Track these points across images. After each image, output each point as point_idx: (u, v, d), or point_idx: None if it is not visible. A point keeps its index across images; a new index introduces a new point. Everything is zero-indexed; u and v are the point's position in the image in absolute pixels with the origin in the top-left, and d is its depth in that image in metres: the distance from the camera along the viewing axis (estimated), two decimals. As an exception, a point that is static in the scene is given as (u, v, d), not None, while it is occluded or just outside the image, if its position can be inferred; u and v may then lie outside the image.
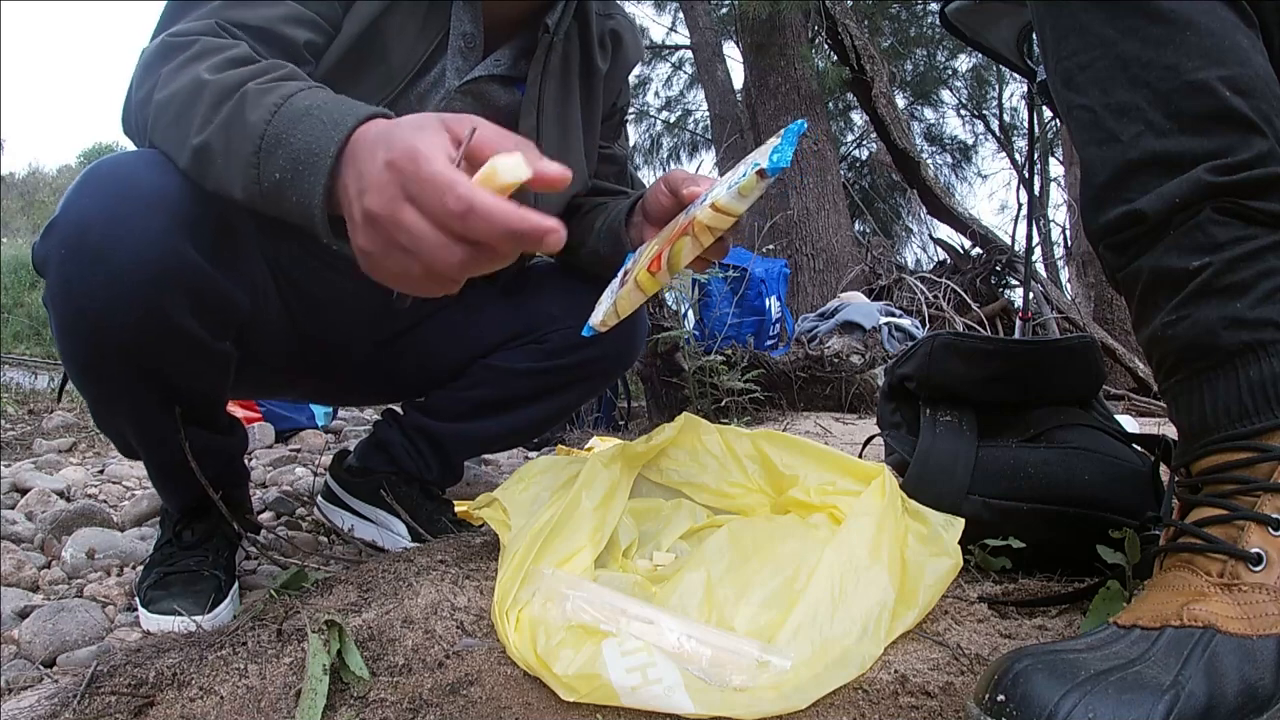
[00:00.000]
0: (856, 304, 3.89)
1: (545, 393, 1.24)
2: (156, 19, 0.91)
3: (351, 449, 1.33)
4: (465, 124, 0.62)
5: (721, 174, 0.87)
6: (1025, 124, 8.65)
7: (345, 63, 0.95)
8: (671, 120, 10.46)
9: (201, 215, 0.84)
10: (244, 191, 0.74)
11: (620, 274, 0.87)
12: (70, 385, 0.99)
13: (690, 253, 0.76)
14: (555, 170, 0.59)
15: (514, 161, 0.58)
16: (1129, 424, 1.23)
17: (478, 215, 0.55)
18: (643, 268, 0.78)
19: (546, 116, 1.08)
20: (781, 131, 0.74)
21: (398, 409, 1.31)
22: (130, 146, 0.92)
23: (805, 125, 0.77)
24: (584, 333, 0.85)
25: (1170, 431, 0.79)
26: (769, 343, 3.91)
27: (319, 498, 1.34)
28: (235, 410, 2.06)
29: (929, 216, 6.79)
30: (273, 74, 0.76)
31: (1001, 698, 0.53)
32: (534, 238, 0.56)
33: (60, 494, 1.73)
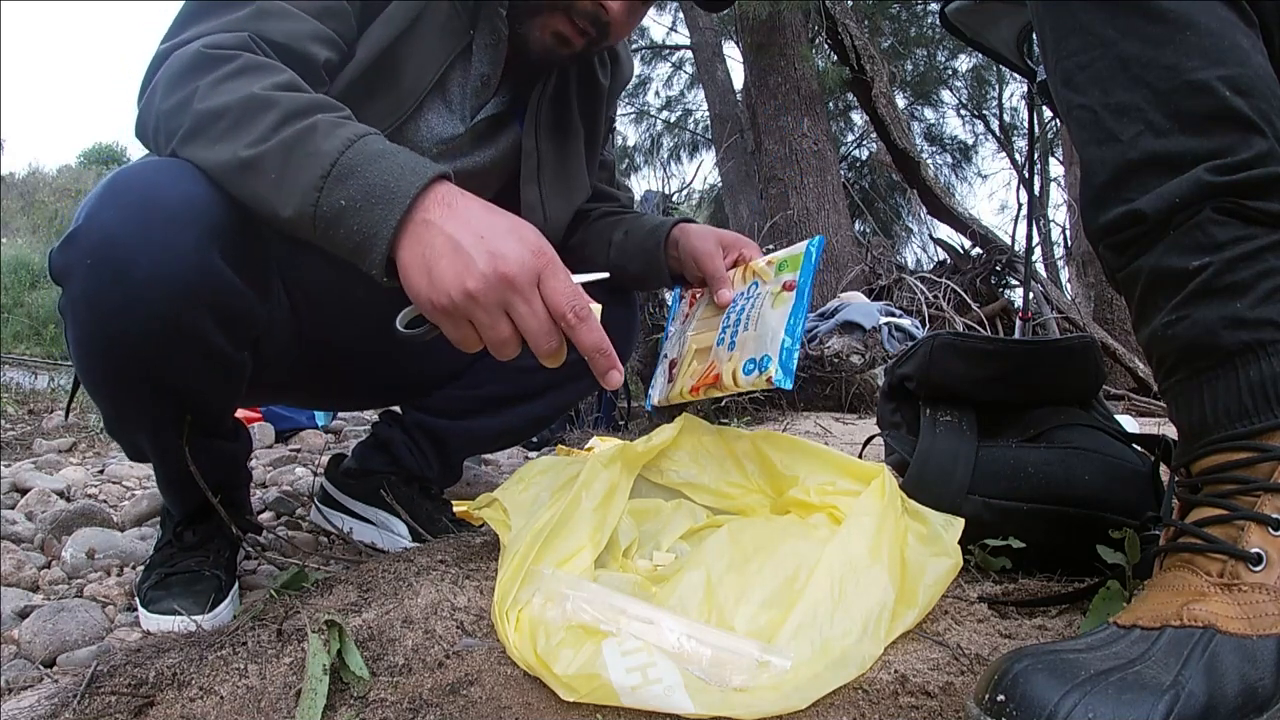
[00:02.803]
0: (856, 304, 3.89)
1: (547, 388, 1.26)
2: (171, 21, 0.89)
3: (349, 453, 1.33)
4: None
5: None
6: (1025, 124, 8.67)
7: (358, 85, 0.95)
8: (671, 120, 10.47)
9: (229, 226, 0.82)
10: (295, 211, 0.75)
11: (666, 364, 1.07)
12: (80, 393, 0.99)
13: (719, 393, 0.95)
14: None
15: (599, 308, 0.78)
16: (1129, 424, 1.23)
17: (588, 327, 0.72)
18: (686, 386, 0.99)
19: (544, 136, 1.14)
20: (793, 293, 0.92)
21: (397, 410, 1.32)
22: (140, 151, 0.91)
23: (822, 244, 0.95)
24: (646, 407, 0.98)
25: (1170, 431, 0.79)
26: (769, 343, 3.89)
27: (315, 501, 1.34)
28: (237, 412, 2.06)
29: (929, 216, 6.79)
30: (339, 111, 0.80)
31: (1001, 698, 0.53)
32: (604, 364, 0.73)
33: (60, 494, 1.73)
